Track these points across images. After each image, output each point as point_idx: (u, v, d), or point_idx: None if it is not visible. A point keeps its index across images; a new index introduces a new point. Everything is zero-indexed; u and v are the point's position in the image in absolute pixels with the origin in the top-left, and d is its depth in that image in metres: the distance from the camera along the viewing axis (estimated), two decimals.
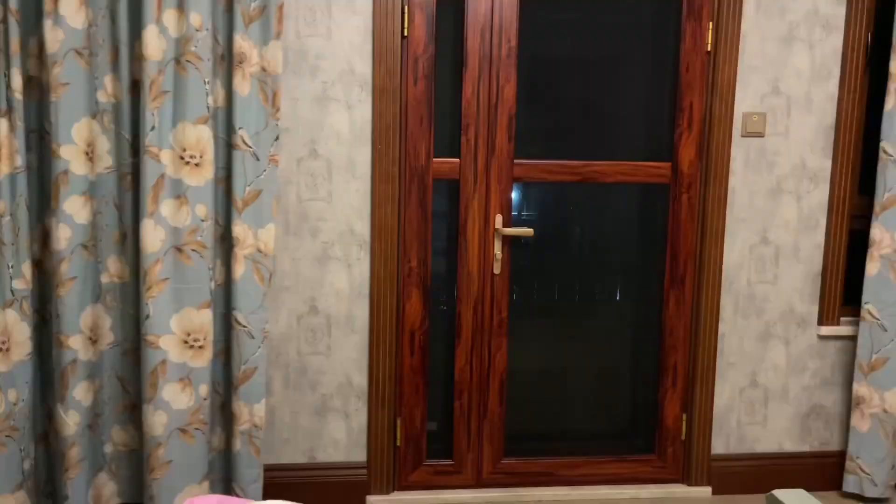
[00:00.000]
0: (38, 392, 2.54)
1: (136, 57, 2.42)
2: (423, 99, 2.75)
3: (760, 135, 2.89)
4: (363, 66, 2.70)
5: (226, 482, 2.68)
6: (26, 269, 2.42)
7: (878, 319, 2.84)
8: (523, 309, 2.96)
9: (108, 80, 2.44)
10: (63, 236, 2.39)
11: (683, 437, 3.03)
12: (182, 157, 2.43)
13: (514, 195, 2.87)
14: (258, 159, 2.50)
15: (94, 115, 2.42)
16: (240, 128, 2.47)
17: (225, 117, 2.50)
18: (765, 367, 3.01)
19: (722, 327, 2.97)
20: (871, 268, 2.85)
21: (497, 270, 2.85)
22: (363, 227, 2.76)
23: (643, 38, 2.92)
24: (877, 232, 2.83)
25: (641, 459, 3.04)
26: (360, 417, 2.84)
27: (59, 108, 2.35)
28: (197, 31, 2.39)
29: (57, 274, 2.41)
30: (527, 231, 2.84)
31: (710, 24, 2.82)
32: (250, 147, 2.49)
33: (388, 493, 2.88)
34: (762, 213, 2.93)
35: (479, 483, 2.95)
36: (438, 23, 2.74)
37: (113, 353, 2.57)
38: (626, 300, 3.07)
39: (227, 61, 2.48)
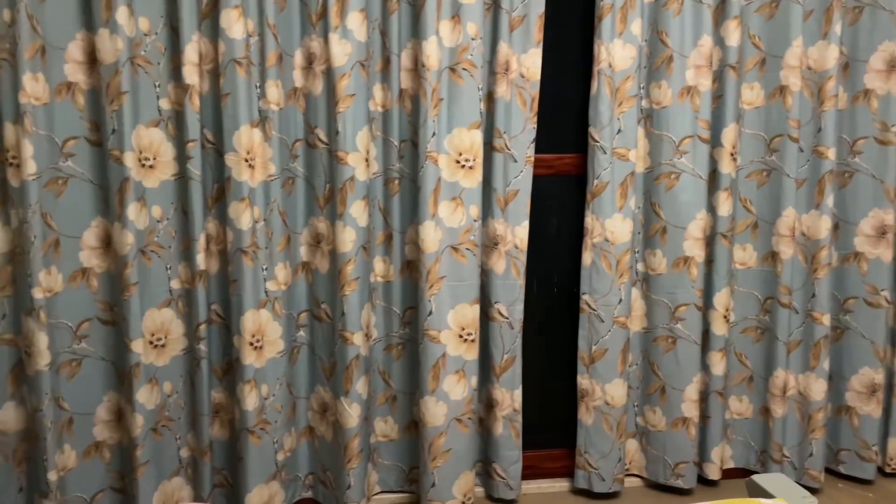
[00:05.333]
0: (306, 387, 2.70)
1: (403, 67, 2.56)
2: None
3: None
4: None
5: (485, 464, 2.83)
6: (279, 271, 2.56)
7: (594, 310, 2.78)
8: None
9: (376, 90, 2.58)
10: (349, 239, 2.52)
11: None
12: (458, 161, 2.57)
13: None
14: (516, 161, 2.64)
15: (367, 123, 2.53)
16: (504, 132, 2.60)
17: (488, 122, 2.64)
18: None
19: None
20: (586, 257, 2.78)
21: None
22: None
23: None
24: (589, 220, 2.75)
25: None
26: None
27: (345, 118, 2.47)
28: (473, 39, 2.53)
29: (342, 275, 2.54)
30: None
31: None
32: (510, 150, 2.62)
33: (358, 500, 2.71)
34: None
35: None
36: None
37: (376, 349, 2.71)
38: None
39: (491, 68, 2.61)
